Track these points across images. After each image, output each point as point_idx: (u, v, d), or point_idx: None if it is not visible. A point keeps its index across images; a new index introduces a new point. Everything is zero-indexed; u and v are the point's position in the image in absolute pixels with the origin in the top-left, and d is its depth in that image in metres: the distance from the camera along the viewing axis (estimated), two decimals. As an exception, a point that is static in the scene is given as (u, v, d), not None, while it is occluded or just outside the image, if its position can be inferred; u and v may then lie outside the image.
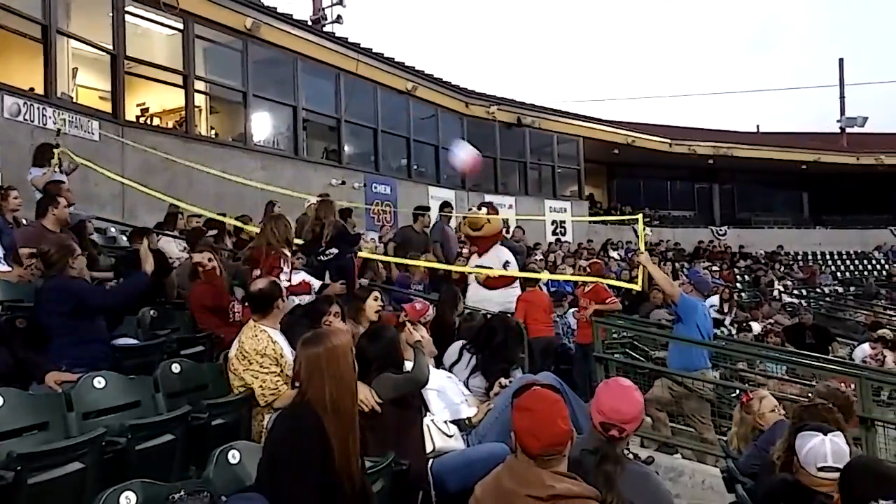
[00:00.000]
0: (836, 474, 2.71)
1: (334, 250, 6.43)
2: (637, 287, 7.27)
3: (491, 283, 7.20)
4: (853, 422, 4.57)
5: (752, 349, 8.42)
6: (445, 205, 10.39)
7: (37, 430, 2.88)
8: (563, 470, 2.32)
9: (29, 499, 2.39)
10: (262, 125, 14.05)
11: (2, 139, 8.70)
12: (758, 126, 32.34)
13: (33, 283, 4.75)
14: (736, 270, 20.37)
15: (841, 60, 30.40)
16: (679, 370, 6.29)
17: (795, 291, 17.78)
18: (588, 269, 8.39)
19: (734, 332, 10.60)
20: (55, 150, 7.16)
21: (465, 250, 9.59)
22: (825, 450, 2.89)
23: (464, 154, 7.26)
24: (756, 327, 10.80)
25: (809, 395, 5.21)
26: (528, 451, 2.30)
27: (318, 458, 2.42)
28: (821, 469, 2.85)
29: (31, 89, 9.64)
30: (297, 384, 2.62)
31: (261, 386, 3.72)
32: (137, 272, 4.24)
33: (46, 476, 2.46)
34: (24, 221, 5.84)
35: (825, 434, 2.95)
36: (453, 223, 15.06)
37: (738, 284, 18.16)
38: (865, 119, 28.46)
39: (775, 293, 16.24)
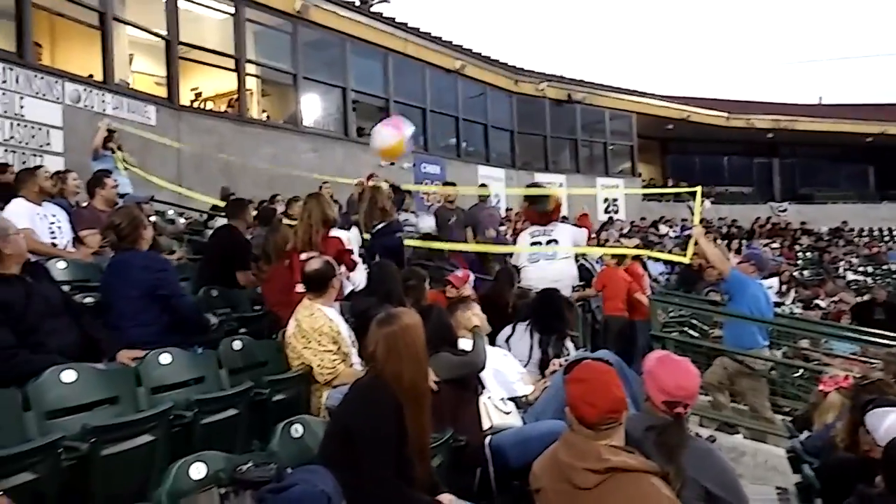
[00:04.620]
0: None
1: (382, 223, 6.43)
2: (685, 260, 7.11)
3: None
4: None
5: (817, 327, 8.14)
6: (481, 187, 10.32)
7: (108, 405, 2.97)
8: (619, 442, 2.30)
9: (103, 469, 2.47)
10: (313, 107, 14.18)
11: (65, 125, 8.99)
12: (820, 97, 31.21)
13: (99, 262, 4.91)
14: (797, 248, 19.75)
15: (910, 26, 28.93)
16: (734, 348, 6.15)
17: (861, 269, 17.15)
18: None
19: (798, 310, 10.31)
20: (115, 155, 7.63)
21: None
22: None
23: None
24: (822, 305, 10.47)
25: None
26: (584, 420, 2.28)
27: (396, 433, 2.48)
28: None
29: (91, 76, 9.91)
30: (368, 362, 2.66)
31: (319, 364, 3.76)
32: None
33: (118, 448, 2.53)
34: (84, 205, 6.04)
35: None
36: (503, 203, 15.01)
37: (799, 262, 17.60)
38: (936, 87, 27.06)
39: (840, 270, 15.69)
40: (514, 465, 3.52)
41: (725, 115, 22.46)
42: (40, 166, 6.70)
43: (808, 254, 19.44)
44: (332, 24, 13.74)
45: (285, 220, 6.68)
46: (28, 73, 8.64)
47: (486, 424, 3.74)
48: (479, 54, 17.14)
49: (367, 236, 6.46)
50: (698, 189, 6.71)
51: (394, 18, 15.22)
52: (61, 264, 4.70)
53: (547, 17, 72.12)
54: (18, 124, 8.43)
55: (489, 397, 3.93)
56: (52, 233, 5.11)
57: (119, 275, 3.79)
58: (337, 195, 10.00)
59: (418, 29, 15.49)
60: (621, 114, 20.76)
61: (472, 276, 5.57)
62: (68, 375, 2.85)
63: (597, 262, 9.44)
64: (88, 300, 4.00)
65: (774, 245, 17.91)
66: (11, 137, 8.32)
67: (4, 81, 8.31)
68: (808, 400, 4.71)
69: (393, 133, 5.96)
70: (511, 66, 18.20)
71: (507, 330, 4.96)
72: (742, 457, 5.52)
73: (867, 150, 25.71)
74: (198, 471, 2.27)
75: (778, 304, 10.44)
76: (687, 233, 11.45)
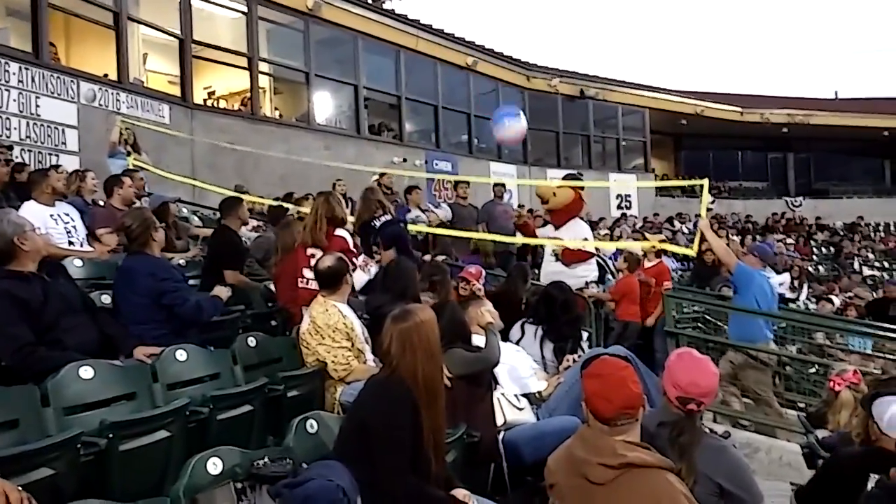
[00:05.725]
0: None
1: (387, 217, 6.37)
2: (692, 252, 7.12)
3: (567, 258, 7.00)
4: None
5: (827, 321, 8.06)
6: (496, 185, 10.29)
7: (125, 401, 3.01)
8: (635, 438, 2.30)
9: (120, 464, 2.51)
10: (325, 104, 14.22)
11: (80, 124, 9.07)
12: (836, 92, 30.86)
13: (115, 260, 4.95)
14: (812, 243, 19.59)
15: (927, 19, 28.57)
16: (739, 341, 6.12)
17: (877, 264, 16.98)
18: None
19: (812, 306, 10.22)
20: (128, 159, 7.74)
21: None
22: None
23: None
24: (835, 301, 10.37)
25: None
26: (600, 415, 2.27)
27: (411, 429, 2.50)
28: None
29: (105, 75, 9.99)
30: (382, 359, 2.68)
31: (333, 360, 3.77)
32: (216, 298, 4.10)
33: (136, 443, 2.57)
34: (101, 203, 6.09)
35: None
36: (514, 200, 14.97)
37: (814, 257, 17.46)
38: (953, 81, 26.72)
39: (855, 266, 15.55)
40: (527, 461, 3.54)
41: (739, 109, 22.30)
42: (57, 166, 6.79)
43: (824, 249, 19.29)
44: (344, 21, 13.75)
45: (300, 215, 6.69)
46: (44, 72, 8.72)
47: (499, 420, 3.75)
48: (491, 50, 17.10)
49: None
50: (705, 182, 6.66)
51: (405, 15, 15.23)
52: (77, 262, 4.75)
53: (559, 13, 71.85)
54: (34, 124, 8.51)
55: (503, 393, 3.94)
56: (69, 232, 5.16)
57: (125, 280, 3.82)
58: (351, 192, 10.06)
59: (430, 25, 15.48)
60: (634, 109, 20.66)
61: (483, 272, 5.58)
62: (86, 372, 2.88)
63: (610, 258, 9.43)
64: (105, 298, 4.04)
65: (789, 240, 17.77)
66: (28, 137, 8.40)
67: (21, 81, 8.38)
68: (822, 396, 4.65)
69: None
70: (523, 62, 18.14)
71: (516, 331, 4.91)
72: (756, 453, 5.48)
73: (883, 144, 25.37)
74: (214, 466, 2.30)
75: (792, 300, 10.36)
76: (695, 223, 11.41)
